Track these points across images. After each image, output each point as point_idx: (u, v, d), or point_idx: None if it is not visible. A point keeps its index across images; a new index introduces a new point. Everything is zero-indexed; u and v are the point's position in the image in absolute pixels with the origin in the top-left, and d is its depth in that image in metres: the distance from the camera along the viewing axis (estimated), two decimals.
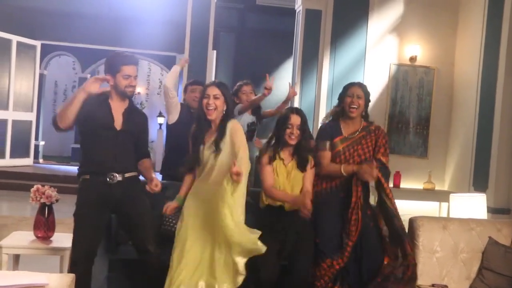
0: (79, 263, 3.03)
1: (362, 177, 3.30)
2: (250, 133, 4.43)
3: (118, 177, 3.12)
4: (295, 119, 3.37)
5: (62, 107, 3.15)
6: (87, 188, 3.16)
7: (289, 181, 3.38)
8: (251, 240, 2.93)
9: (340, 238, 3.32)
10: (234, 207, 2.93)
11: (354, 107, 3.46)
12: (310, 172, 3.41)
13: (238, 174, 2.89)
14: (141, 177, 3.32)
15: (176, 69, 4.38)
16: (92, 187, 3.14)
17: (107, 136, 3.12)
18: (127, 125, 3.16)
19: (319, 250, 3.32)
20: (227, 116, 3.18)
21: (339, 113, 3.55)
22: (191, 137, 3.27)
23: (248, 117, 4.50)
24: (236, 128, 3.14)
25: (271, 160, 3.38)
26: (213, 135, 3.17)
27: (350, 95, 3.48)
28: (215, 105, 3.13)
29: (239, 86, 4.52)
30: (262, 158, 3.42)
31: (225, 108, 3.17)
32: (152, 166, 3.33)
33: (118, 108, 3.18)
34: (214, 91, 3.15)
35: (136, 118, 3.25)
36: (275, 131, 3.45)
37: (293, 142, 3.37)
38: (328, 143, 3.47)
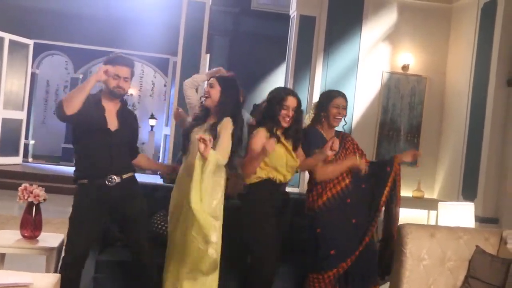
0: (71, 266, 3.03)
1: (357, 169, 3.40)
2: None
3: (117, 179, 3.12)
4: (292, 101, 3.24)
5: (71, 93, 3.05)
6: (85, 193, 3.14)
7: (292, 160, 3.32)
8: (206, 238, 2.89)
9: (352, 239, 3.39)
10: (204, 192, 2.87)
11: (339, 118, 3.48)
12: (300, 151, 3.41)
13: (203, 139, 2.83)
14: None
15: (198, 77, 4.25)
16: (90, 192, 3.12)
17: (102, 137, 3.11)
18: (121, 126, 3.18)
19: (330, 259, 3.35)
20: (224, 111, 3.17)
21: (317, 119, 3.54)
22: (183, 130, 3.35)
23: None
24: (225, 125, 3.13)
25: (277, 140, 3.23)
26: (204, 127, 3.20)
27: (336, 106, 3.47)
28: (209, 93, 3.20)
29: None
30: (260, 136, 3.23)
31: (220, 100, 3.18)
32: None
33: (111, 109, 3.18)
34: (212, 80, 3.28)
35: (128, 118, 3.28)
36: (268, 110, 3.28)
37: (286, 125, 3.25)
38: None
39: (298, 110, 3.28)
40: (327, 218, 3.39)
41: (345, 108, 3.51)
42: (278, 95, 3.27)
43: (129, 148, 3.29)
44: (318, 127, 3.53)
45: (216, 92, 3.20)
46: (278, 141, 3.21)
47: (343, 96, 3.55)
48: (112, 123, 3.15)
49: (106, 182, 3.09)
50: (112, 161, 3.11)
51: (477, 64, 5.77)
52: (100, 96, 3.21)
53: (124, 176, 3.17)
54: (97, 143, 3.12)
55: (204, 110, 3.28)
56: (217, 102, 3.20)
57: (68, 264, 3.02)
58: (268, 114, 3.27)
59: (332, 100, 3.49)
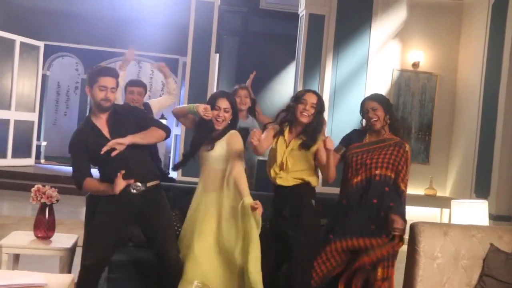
0: (92, 271, 3.01)
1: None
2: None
3: (141, 187, 3.07)
4: (311, 97, 3.31)
5: (97, 189, 3.08)
6: (109, 200, 3.09)
7: (291, 156, 3.30)
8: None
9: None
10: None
11: (375, 120, 3.44)
12: (323, 149, 3.29)
13: (254, 208, 3.01)
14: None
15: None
16: (115, 199, 3.06)
17: (111, 157, 3.02)
18: (115, 133, 3.05)
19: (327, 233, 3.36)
20: (231, 125, 3.33)
21: (367, 126, 3.57)
22: (190, 142, 3.36)
23: (239, 123, 4.41)
24: (234, 139, 3.25)
25: (276, 134, 3.35)
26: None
27: (366, 111, 3.48)
28: (225, 117, 3.27)
29: (235, 90, 4.47)
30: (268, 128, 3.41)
31: (231, 118, 3.32)
32: (152, 135, 3.11)
33: (103, 124, 3.09)
34: (224, 104, 3.28)
35: (122, 118, 3.09)
36: (287, 107, 3.40)
37: (304, 120, 3.28)
38: (343, 149, 3.50)
39: (318, 108, 3.31)
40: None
41: (376, 109, 3.42)
42: (298, 93, 3.41)
43: (140, 146, 3.11)
44: (367, 131, 3.55)
45: (229, 116, 3.31)
46: (279, 134, 3.32)
47: (372, 98, 3.50)
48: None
49: (131, 190, 3.06)
50: (132, 170, 3.03)
51: (489, 60, 5.72)
52: (90, 119, 3.12)
53: (149, 184, 3.12)
54: (110, 161, 3.03)
55: (208, 130, 3.29)
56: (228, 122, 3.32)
57: (89, 269, 3.00)
58: (289, 113, 3.37)
59: (362, 106, 3.50)
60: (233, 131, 3.29)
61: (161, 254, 3.15)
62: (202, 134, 3.30)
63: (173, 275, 3.13)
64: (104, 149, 2.93)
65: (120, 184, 2.94)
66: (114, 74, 3.14)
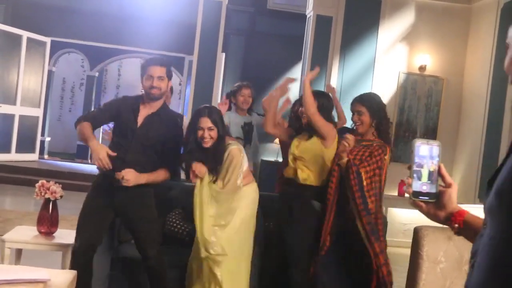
0: (78, 254, 3.04)
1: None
2: (246, 134, 4.36)
3: (121, 182, 3.07)
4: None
5: (82, 132, 3.11)
6: (98, 184, 3.21)
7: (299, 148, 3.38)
8: None
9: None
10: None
11: (358, 124, 3.38)
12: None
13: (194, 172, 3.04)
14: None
15: None
16: (102, 185, 3.17)
17: (125, 138, 3.10)
18: (143, 130, 3.10)
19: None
20: (221, 141, 3.15)
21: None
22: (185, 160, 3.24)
23: (241, 118, 4.41)
24: (234, 154, 3.13)
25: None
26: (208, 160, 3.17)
27: (352, 111, 3.42)
28: (210, 135, 3.11)
29: (238, 87, 4.43)
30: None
31: (217, 135, 3.14)
32: (160, 177, 3.16)
33: (144, 112, 3.15)
34: (207, 123, 3.09)
35: (158, 125, 3.12)
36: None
37: (305, 121, 3.43)
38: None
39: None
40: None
41: (362, 114, 3.36)
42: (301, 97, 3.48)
43: (159, 157, 3.15)
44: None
45: (215, 134, 3.13)
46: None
47: (360, 101, 3.43)
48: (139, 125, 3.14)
49: (113, 183, 3.09)
50: (124, 164, 3.05)
51: (496, 65, 5.70)
52: (139, 100, 3.20)
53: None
54: (120, 142, 3.13)
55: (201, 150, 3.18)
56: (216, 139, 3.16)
57: (76, 251, 3.05)
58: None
59: (351, 104, 3.47)
60: (233, 148, 3.15)
61: (141, 250, 3.15)
62: (194, 156, 3.18)
63: (154, 272, 3.14)
64: (119, 176, 3.01)
65: (102, 152, 3.00)
66: (162, 63, 3.15)
